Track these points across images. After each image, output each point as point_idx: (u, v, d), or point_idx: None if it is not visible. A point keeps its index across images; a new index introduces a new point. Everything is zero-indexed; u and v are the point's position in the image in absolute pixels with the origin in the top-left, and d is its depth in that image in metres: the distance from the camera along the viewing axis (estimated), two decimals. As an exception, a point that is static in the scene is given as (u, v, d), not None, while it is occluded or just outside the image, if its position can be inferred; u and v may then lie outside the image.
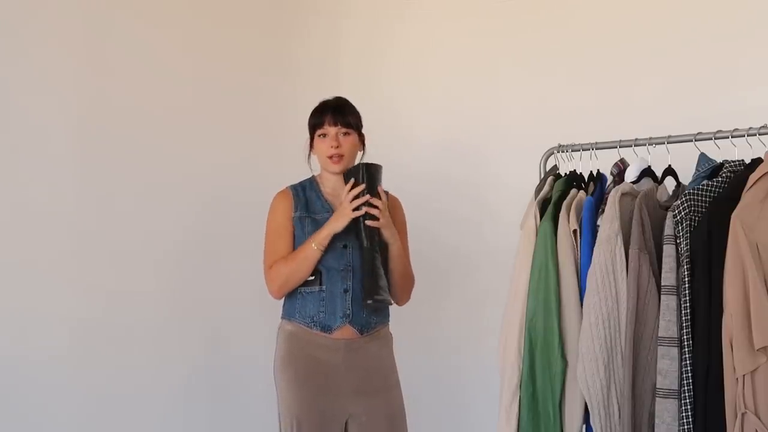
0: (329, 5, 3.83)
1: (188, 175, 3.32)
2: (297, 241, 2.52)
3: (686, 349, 2.00)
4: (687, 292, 2.01)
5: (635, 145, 2.37)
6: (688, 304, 2.00)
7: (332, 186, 2.58)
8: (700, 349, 1.98)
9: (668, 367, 2.02)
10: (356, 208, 2.41)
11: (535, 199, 2.42)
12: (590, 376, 2.13)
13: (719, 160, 2.16)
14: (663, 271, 2.06)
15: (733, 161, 2.12)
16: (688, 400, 1.98)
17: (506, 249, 2.60)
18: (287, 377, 2.50)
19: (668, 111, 2.80)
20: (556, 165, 2.59)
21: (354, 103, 2.58)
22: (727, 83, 2.72)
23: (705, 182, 2.08)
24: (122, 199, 3.11)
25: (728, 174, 2.09)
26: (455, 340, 3.46)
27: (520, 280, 2.32)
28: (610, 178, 2.42)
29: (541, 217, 2.33)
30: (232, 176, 3.46)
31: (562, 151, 2.55)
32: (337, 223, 2.44)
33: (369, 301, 2.41)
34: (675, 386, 2.02)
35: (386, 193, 2.52)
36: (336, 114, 2.51)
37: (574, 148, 2.52)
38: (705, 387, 1.97)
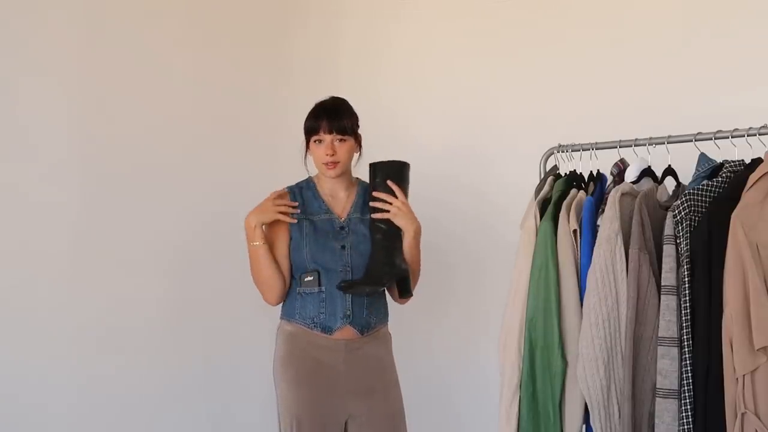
0: (325, 6, 3.83)
1: (187, 176, 3.32)
2: (294, 243, 2.52)
3: (686, 349, 2.00)
4: (687, 292, 2.00)
5: (635, 145, 2.37)
6: (688, 304, 2.00)
7: (330, 187, 2.58)
8: (700, 349, 1.98)
9: (668, 367, 2.02)
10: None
11: (535, 199, 2.42)
12: (590, 376, 2.13)
13: (719, 160, 2.16)
14: (663, 271, 2.06)
15: (733, 161, 2.12)
16: (688, 400, 1.98)
17: (506, 249, 2.60)
18: (287, 377, 2.50)
19: (668, 111, 2.80)
20: (556, 165, 2.59)
21: (351, 103, 2.57)
22: (727, 83, 2.72)
23: (705, 182, 2.08)
24: (120, 200, 3.11)
25: (728, 174, 2.09)
26: (455, 339, 3.46)
27: (520, 280, 2.31)
28: (610, 178, 2.42)
29: (541, 217, 2.33)
30: (230, 177, 3.46)
31: (562, 151, 2.55)
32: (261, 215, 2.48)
33: (384, 281, 2.46)
34: (675, 386, 2.02)
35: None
36: (331, 119, 2.48)
37: (574, 148, 2.52)
38: (705, 387, 1.97)
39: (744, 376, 1.87)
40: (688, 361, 1.99)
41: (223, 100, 3.48)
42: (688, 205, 2.03)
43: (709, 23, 2.81)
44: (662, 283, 2.06)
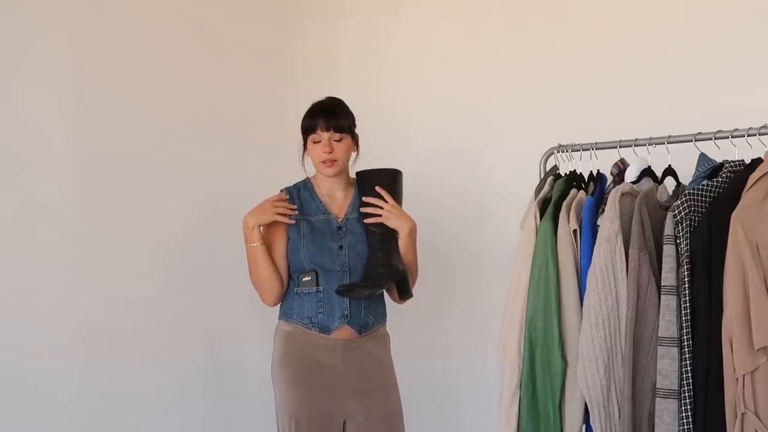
0: (325, 6, 3.82)
1: (187, 176, 3.32)
2: (292, 244, 2.52)
3: (686, 349, 2.00)
4: (687, 292, 2.00)
5: (635, 145, 2.37)
6: (688, 304, 2.00)
7: (327, 187, 2.58)
8: (700, 349, 1.98)
9: (668, 367, 2.02)
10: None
11: (535, 199, 2.42)
12: (590, 376, 2.13)
13: (719, 160, 2.16)
14: (663, 271, 2.06)
15: (733, 161, 2.12)
16: (688, 400, 1.98)
17: (506, 250, 2.60)
18: (285, 377, 2.50)
19: (668, 111, 2.80)
20: (556, 165, 2.59)
21: (350, 104, 2.57)
22: (727, 83, 2.72)
23: (705, 182, 2.08)
24: (120, 200, 3.11)
25: (728, 174, 2.09)
26: (454, 340, 3.46)
27: (520, 280, 2.31)
28: (610, 178, 2.42)
29: (541, 217, 2.33)
30: (230, 177, 3.45)
31: (562, 151, 2.55)
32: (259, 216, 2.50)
33: (382, 283, 2.47)
34: (675, 386, 2.02)
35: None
36: (328, 118, 2.49)
37: (574, 148, 2.52)
38: (705, 387, 1.97)
39: (744, 376, 1.87)
40: (688, 361, 1.99)
41: (223, 100, 3.48)
42: (688, 205, 2.03)
43: (709, 23, 2.81)
44: (662, 283, 2.06)
